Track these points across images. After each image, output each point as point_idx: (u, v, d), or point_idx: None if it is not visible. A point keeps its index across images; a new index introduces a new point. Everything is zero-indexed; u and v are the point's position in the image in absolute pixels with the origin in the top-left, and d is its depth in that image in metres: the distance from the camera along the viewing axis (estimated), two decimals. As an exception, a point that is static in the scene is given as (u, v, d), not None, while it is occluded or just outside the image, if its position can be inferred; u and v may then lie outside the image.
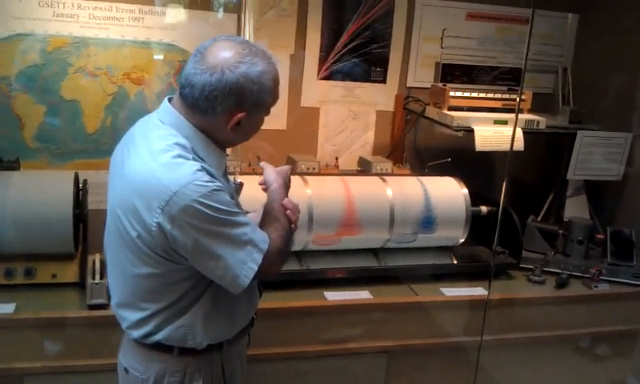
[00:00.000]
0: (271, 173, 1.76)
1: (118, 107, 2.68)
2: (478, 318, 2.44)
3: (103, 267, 2.08)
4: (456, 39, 3.18)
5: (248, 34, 2.80)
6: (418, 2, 3.07)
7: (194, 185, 1.45)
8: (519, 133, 2.78)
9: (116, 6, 2.61)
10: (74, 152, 2.67)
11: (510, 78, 3.28)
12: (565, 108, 3.10)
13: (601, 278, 2.72)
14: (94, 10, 2.59)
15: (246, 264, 1.53)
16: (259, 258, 1.55)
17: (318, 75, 3.01)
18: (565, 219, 3.01)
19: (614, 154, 3.01)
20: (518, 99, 2.91)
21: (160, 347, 1.63)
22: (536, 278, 2.72)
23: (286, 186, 1.77)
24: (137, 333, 1.64)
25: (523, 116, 2.89)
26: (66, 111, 2.63)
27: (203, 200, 1.45)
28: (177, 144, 1.52)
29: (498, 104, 2.91)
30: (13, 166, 2.42)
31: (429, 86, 3.08)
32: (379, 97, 3.12)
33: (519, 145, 2.77)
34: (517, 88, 3.10)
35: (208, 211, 1.46)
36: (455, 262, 2.75)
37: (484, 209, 2.73)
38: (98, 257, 2.21)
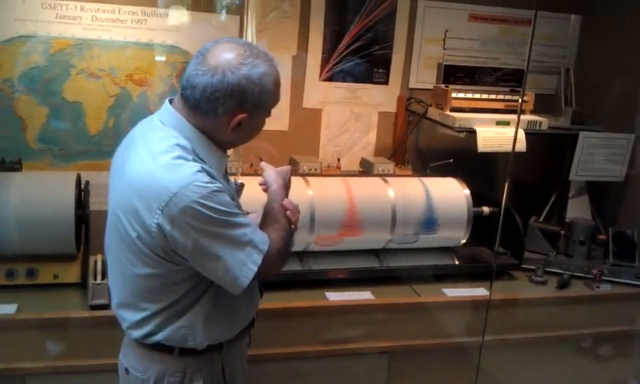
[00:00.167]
0: (271, 173, 1.76)
1: (120, 109, 2.69)
2: (479, 319, 2.44)
3: (105, 268, 2.09)
4: (458, 40, 3.18)
5: (250, 35, 2.80)
6: (420, 3, 3.07)
7: (194, 186, 1.46)
8: (521, 134, 2.78)
9: (119, 8, 2.62)
10: (76, 153, 2.67)
11: (512, 79, 3.27)
12: (567, 109, 3.10)
13: (603, 278, 2.72)
14: (97, 12, 2.60)
15: (245, 265, 1.54)
16: (259, 258, 1.55)
17: (320, 76, 3.01)
18: (567, 220, 3.01)
19: (616, 155, 3.00)
20: (520, 100, 2.91)
21: (160, 348, 1.64)
22: (538, 279, 2.72)
23: (287, 186, 1.77)
24: (137, 333, 1.64)
25: (525, 117, 2.89)
26: (68, 113, 2.64)
27: (203, 201, 1.46)
28: (177, 145, 1.53)
29: (501, 105, 2.91)
30: (15, 167, 2.43)
31: (431, 87, 3.08)
32: (381, 98, 3.12)
33: (521, 146, 2.77)
34: (519, 89, 3.10)
35: (208, 212, 1.47)
36: (457, 262, 2.75)
37: (486, 209, 2.73)
38: (99, 257, 2.21)
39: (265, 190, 1.74)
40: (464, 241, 2.73)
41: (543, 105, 3.13)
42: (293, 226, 1.70)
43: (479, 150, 2.76)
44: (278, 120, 2.91)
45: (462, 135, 2.81)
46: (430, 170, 2.96)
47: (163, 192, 1.45)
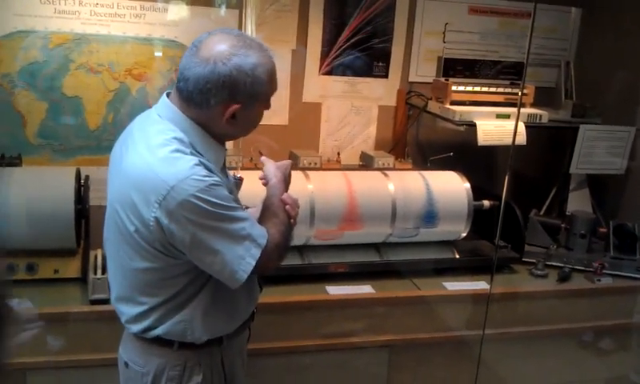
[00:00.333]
0: (271, 168, 1.76)
1: (119, 103, 2.68)
2: (480, 312, 2.44)
3: (105, 262, 2.09)
4: (458, 34, 3.17)
5: (250, 29, 2.80)
6: (419, -4, 3.07)
7: (192, 179, 1.46)
8: (521, 127, 2.77)
9: (117, 3, 2.61)
10: (76, 148, 2.67)
11: (512, 72, 3.26)
12: (567, 102, 3.09)
13: (603, 271, 2.72)
14: (96, 7, 2.60)
15: (243, 259, 1.54)
16: (257, 253, 1.55)
17: (319, 70, 3.00)
18: (567, 213, 3.00)
19: (616, 148, 3.00)
20: (520, 93, 2.91)
21: (160, 341, 1.64)
22: (538, 272, 2.72)
23: (286, 180, 1.77)
24: (136, 327, 1.64)
25: (525, 110, 2.89)
26: (67, 108, 2.63)
27: (201, 195, 1.46)
28: (175, 138, 1.52)
29: (501, 98, 2.91)
30: (15, 162, 2.43)
31: (431, 80, 3.07)
32: (381, 92, 3.12)
33: (521, 139, 2.76)
34: (519, 82, 3.09)
35: (205, 206, 1.47)
36: (457, 256, 2.75)
37: (486, 203, 2.72)
38: (99, 252, 2.22)
39: (265, 185, 1.74)
40: (464, 234, 2.73)
41: (543, 98, 3.13)
42: (292, 221, 1.70)
43: (479, 144, 2.76)
44: (277, 114, 2.91)
45: (462, 128, 2.80)
46: (430, 164, 2.96)
47: (161, 185, 1.45)
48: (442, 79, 2.98)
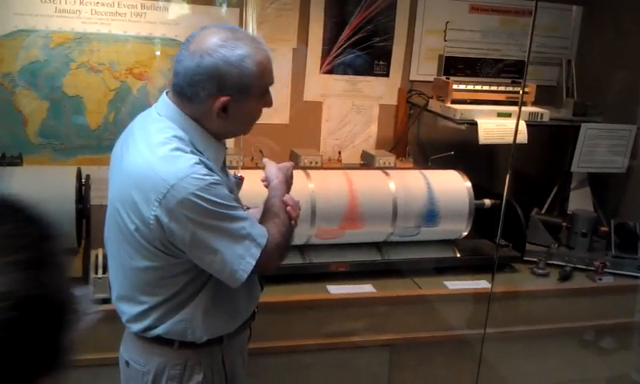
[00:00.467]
0: (272, 169, 1.76)
1: (120, 102, 2.68)
2: (481, 311, 2.44)
3: (106, 262, 2.08)
4: (459, 32, 3.17)
5: (250, 28, 2.79)
6: (420, -6, 3.07)
7: (192, 178, 1.46)
8: (523, 125, 2.77)
9: (118, 2, 2.61)
10: (76, 148, 2.67)
11: (513, 70, 3.26)
12: (569, 100, 3.09)
13: (605, 270, 2.71)
14: (96, 6, 2.59)
15: (243, 259, 1.54)
16: (257, 252, 1.55)
17: (320, 69, 3.00)
18: (569, 212, 3.00)
19: (618, 147, 2.99)
20: (521, 92, 2.90)
21: (160, 341, 1.64)
22: (540, 271, 2.71)
23: (287, 182, 1.77)
24: (136, 326, 1.64)
25: (527, 109, 2.89)
26: (68, 107, 2.63)
27: (200, 193, 1.46)
28: (175, 137, 1.52)
29: (502, 97, 2.90)
30: (16, 161, 2.42)
31: (432, 79, 3.07)
32: (382, 90, 3.11)
33: (523, 137, 2.76)
34: (520, 81, 3.08)
35: (205, 205, 1.46)
36: (458, 255, 2.75)
37: (487, 202, 2.72)
38: (100, 251, 2.21)
39: (266, 186, 1.74)
40: (465, 233, 2.73)
41: (545, 96, 3.12)
42: (293, 222, 1.70)
43: (480, 142, 2.75)
44: (278, 113, 2.91)
45: (463, 127, 2.80)
46: (431, 163, 2.95)
47: (161, 184, 1.45)
48: (443, 78, 2.98)
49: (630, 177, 3.05)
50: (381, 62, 3.08)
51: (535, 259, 2.75)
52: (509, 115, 2.83)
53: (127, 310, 1.65)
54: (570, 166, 3.01)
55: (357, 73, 3.06)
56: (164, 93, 1.63)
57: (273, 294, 2.16)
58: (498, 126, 2.79)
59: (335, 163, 2.96)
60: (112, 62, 2.65)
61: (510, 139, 2.71)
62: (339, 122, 3.09)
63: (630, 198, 3.08)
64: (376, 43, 3.04)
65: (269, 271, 1.66)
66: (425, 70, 3.15)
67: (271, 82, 1.61)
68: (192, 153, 1.52)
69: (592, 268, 2.73)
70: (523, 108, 2.84)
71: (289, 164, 1.83)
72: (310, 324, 2.35)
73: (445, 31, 3.14)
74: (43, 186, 2.24)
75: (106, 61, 2.64)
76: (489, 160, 3.09)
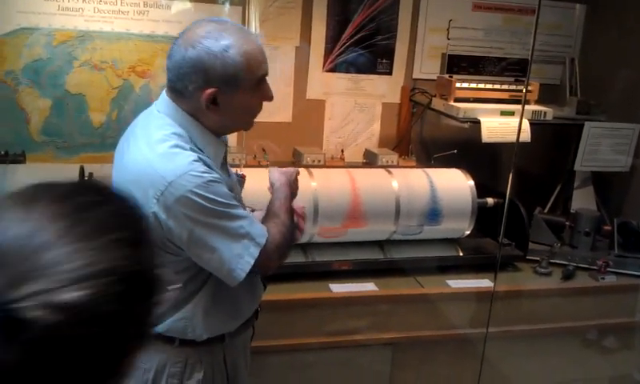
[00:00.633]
0: (275, 173, 1.77)
1: (123, 100, 2.69)
2: (483, 310, 2.44)
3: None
4: (462, 30, 3.17)
5: (253, 26, 2.79)
6: (423, -8, 3.06)
7: (190, 175, 1.45)
8: (526, 124, 2.76)
9: (121, 0, 2.61)
10: (79, 146, 2.67)
11: (516, 68, 3.25)
12: (572, 99, 3.08)
13: (608, 269, 2.70)
14: (99, 4, 2.60)
15: (242, 258, 1.53)
16: (256, 252, 1.55)
17: (323, 67, 3.00)
18: (572, 211, 2.99)
19: (621, 145, 2.99)
20: (524, 90, 2.90)
21: (161, 338, 1.63)
22: (542, 270, 2.71)
23: (291, 186, 1.77)
24: None
25: (530, 107, 2.88)
26: (71, 105, 2.63)
27: (198, 191, 1.45)
28: (174, 134, 1.52)
29: (505, 95, 2.90)
30: (19, 159, 2.43)
31: (435, 77, 3.07)
32: (385, 89, 3.11)
33: (526, 136, 2.75)
34: (523, 79, 3.08)
35: (203, 202, 1.46)
36: (461, 254, 2.74)
37: (490, 200, 2.71)
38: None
39: (271, 192, 1.75)
40: (468, 232, 2.73)
41: (548, 95, 3.12)
42: (299, 233, 1.72)
43: (483, 141, 2.75)
44: (281, 111, 2.91)
45: (466, 126, 2.80)
46: (434, 161, 2.95)
47: (159, 181, 1.45)
48: (446, 76, 2.97)
49: (634, 176, 3.05)
50: (384, 61, 3.08)
51: (538, 258, 2.74)
52: (512, 114, 2.82)
53: None
54: (573, 165, 3.00)
55: (360, 71, 3.06)
56: (164, 90, 1.63)
57: (275, 293, 2.15)
58: (501, 125, 2.78)
59: (338, 162, 2.96)
60: (115, 60, 2.65)
61: (513, 138, 2.71)
62: (342, 121, 3.09)
63: (633, 197, 3.07)
64: (379, 41, 3.04)
65: (269, 271, 1.66)
66: (428, 68, 3.15)
67: (262, 73, 1.57)
68: (191, 150, 1.52)
69: (595, 267, 2.73)
70: (526, 106, 2.84)
71: (292, 169, 1.82)
72: (312, 322, 2.35)
73: (448, 29, 3.13)
74: (46, 183, 2.24)
75: (109, 59, 2.64)
76: (492, 158, 3.09)
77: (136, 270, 0.75)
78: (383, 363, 2.47)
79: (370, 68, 3.07)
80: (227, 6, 2.79)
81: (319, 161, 2.78)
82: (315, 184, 2.48)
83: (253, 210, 1.72)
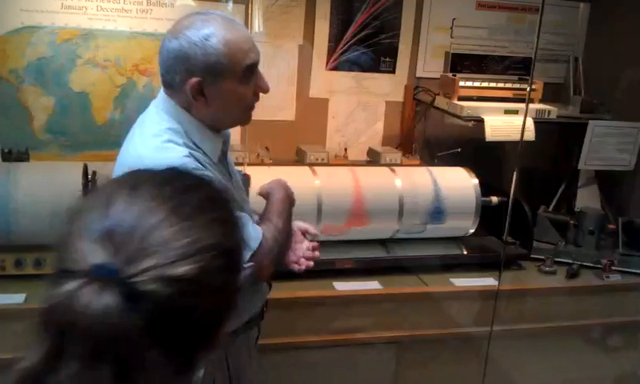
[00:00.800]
0: (265, 184, 1.78)
1: (126, 99, 2.68)
2: (488, 309, 2.43)
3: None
4: (466, 29, 3.16)
5: (256, 24, 2.79)
6: (427, -9, 3.06)
7: None
8: (530, 123, 2.75)
9: (124, -2, 2.62)
10: (83, 144, 2.67)
11: (520, 67, 3.25)
12: (576, 98, 3.07)
13: (612, 268, 2.70)
14: (102, 2, 2.60)
15: None
16: (246, 255, 1.52)
17: (326, 66, 3.00)
18: (576, 209, 2.98)
19: (625, 144, 2.98)
20: (528, 89, 2.89)
21: None
22: (547, 269, 2.70)
23: (285, 187, 1.77)
24: None
25: (534, 106, 2.87)
26: (75, 103, 2.63)
27: None
28: (169, 129, 1.53)
29: (509, 94, 2.89)
30: (22, 157, 2.43)
31: (438, 76, 3.06)
32: (388, 87, 3.11)
33: (530, 135, 2.75)
34: (527, 77, 3.07)
35: None
36: (465, 252, 2.73)
37: (494, 199, 2.71)
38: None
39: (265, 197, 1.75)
40: (472, 231, 2.72)
41: (552, 93, 3.12)
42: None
43: (487, 139, 2.74)
44: (284, 110, 2.91)
45: (469, 124, 2.79)
46: (437, 160, 2.95)
47: None
48: (450, 75, 2.97)
49: (638, 174, 3.03)
50: (387, 59, 3.08)
51: (542, 257, 2.73)
52: (516, 112, 2.81)
53: None
54: (578, 164, 2.99)
55: (363, 69, 3.05)
56: (162, 88, 1.63)
57: (279, 291, 2.14)
58: (505, 123, 2.78)
59: (341, 160, 2.96)
60: (118, 59, 2.65)
61: (517, 136, 2.70)
62: (345, 119, 3.08)
63: (637, 196, 3.06)
64: (382, 40, 3.04)
65: (262, 279, 1.65)
66: (431, 66, 3.14)
67: (249, 62, 1.54)
68: (185, 145, 1.51)
69: (599, 266, 2.71)
70: (530, 105, 2.83)
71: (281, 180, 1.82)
72: (316, 321, 2.35)
73: (451, 28, 3.13)
74: (49, 181, 2.24)
75: (112, 57, 2.64)
76: (496, 157, 3.08)
77: (230, 245, 0.84)
78: (387, 361, 2.47)
79: (373, 66, 3.07)
80: (230, 4, 2.78)
81: (322, 159, 2.78)
82: (318, 182, 2.48)
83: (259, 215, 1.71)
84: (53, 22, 2.55)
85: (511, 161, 3.07)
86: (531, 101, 2.87)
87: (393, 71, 3.09)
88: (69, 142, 2.65)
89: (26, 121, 2.59)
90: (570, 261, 2.74)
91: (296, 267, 1.82)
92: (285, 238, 1.69)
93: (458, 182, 2.69)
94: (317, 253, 1.85)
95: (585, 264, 2.74)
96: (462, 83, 2.84)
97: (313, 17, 2.92)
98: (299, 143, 2.88)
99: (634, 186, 3.07)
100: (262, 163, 2.61)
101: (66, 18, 2.56)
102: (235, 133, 2.34)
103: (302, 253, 1.83)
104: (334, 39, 2.97)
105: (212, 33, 1.49)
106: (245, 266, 0.91)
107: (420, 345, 2.48)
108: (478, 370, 2.48)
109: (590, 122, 2.94)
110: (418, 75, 3.13)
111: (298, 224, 1.88)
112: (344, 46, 2.99)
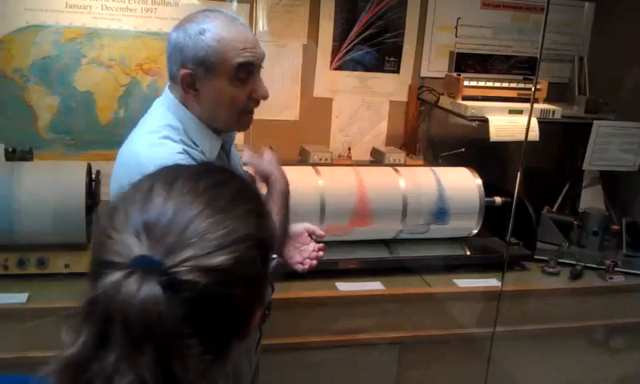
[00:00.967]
0: (269, 160, 1.77)
1: (131, 98, 2.69)
2: (491, 310, 2.43)
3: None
4: (471, 28, 3.15)
5: (260, 23, 2.79)
6: (432, -10, 3.05)
7: None
8: (534, 123, 2.74)
9: (128, -3, 2.62)
10: (87, 143, 2.68)
11: (525, 67, 3.24)
12: (581, 98, 3.06)
13: (616, 269, 2.69)
14: (107, 1, 2.60)
15: None
16: None
17: (330, 65, 3.00)
18: (580, 210, 2.97)
19: (630, 144, 2.96)
20: (533, 89, 2.88)
21: None
22: (550, 270, 2.69)
23: (285, 180, 1.77)
24: None
25: (538, 106, 2.86)
26: (79, 102, 2.64)
27: None
28: (168, 125, 1.54)
29: (513, 93, 2.88)
30: (26, 156, 2.43)
31: (443, 75, 3.06)
32: (392, 87, 3.10)
33: (534, 135, 2.74)
34: (532, 77, 3.06)
35: None
36: (468, 253, 2.73)
37: (498, 199, 2.70)
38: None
39: (259, 174, 1.74)
40: (475, 231, 2.71)
41: (556, 93, 3.10)
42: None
43: (491, 139, 2.73)
44: (288, 109, 2.91)
45: (474, 124, 2.78)
46: (441, 160, 2.94)
47: (140, 169, 1.46)
48: (454, 74, 2.96)
49: (642, 175, 3.03)
50: (391, 59, 3.07)
51: (546, 258, 2.73)
52: (520, 112, 2.81)
53: None
54: (582, 164, 2.98)
55: (367, 69, 3.05)
56: (168, 84, 1.65)
57: (281, 291, 2.14)
58: (510, 123, 2.77)
59: (345, 160, 2.96)
60: (122, 58, 2.65)
61: (521, 136, 2.70)
62: (349, 119, 3.08)
63: (642, 197, 3.06)
64: (386, 39, 3.03)
65: None
66: (436, 66, 3.14)
67: (241, 61, 1.52)
68: (182, 142, 1.53)
69: (603, 267, 2.71)
70: (535, 105, 2.82)
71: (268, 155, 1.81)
72: (318, 321, 2.35)
73: (456, 27, 3.12)
74: (53, 181, 2.25)
75: (117, 56, 2.64)
76: (500, 157, 3.07)
77: (263, 236, 0.87)
78: (390, 362, 2.47)
79: (377, 66, 3.06)
80: (235, 3, 2.78)
81: (326, 159, 2.78)
82: (322, 182, 2.48)
83: None
84: (57, 21, 2.56)
85: (515, 161, 3.06)
86: (536, 101, 2.86)
87: (397, 71, 3.09)
88: (73, 142, 2.66)
89: (30, 120, 2.60)
90: (574, 262, 2.73)
91: (300, 268, 1.82)
92: (283, 234, 1.69)
93: (462, 183, 2.68)
94: (321, 253, 1.85)
95: (588, 265, 2.74)
96: (466, 83, 2.83)
97: (317, 16, 2.92)
98: (303, 143, 2.88)
99: (638, 187, 3.06)
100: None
101: (70, 17, 2.57)
102: (239, 133, 2.34)
103: (308, 254, 1.84)
104: (338, 39, 2.97)
105: (208, 28, 1.50)
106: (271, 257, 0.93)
107: (423, 345, 2.48)
108: (481, 371, 2.48)
109: (595, 122, 2.93)
110: (422, 75, 3.13)
111: (305, 225, 1.89)
112: (348, 45, 2.99)
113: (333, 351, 2.37)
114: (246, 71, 1.55)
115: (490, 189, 2.68)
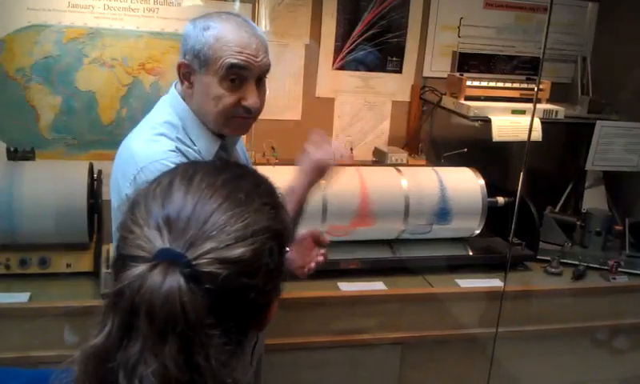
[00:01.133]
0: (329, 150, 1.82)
1: (133, 98, 2.69)
2: (493, 310, 2.42)
3: (117, 257, 2.09)
4: (473, 28, 3.15)
5: (263, 23, 2.79)
6: (434, -10, 3.05)
7: (160, 163, 1.42)
8: (537, 123, 2.74)
9: (131, -3, 2.62)
10: (89, 143, 2.68)
11: (528, 67, 3.23)
12: (584, 98, 3.06)
13: (619, 270, 2.68)
14: (109, 1, 2.60)
15: None
16: None
17: (333, 65, 2.99)
18: (583, 210, 2.97)
19: (633, 145, 2.96)
20: (536, 89, 2.88)
21: None
22: (553, 270, 2.69)
23: (319, 173, 1.83)
24: None
25: (541, 106, 2.86)
26: (81, 102, 2.64)
27: None
28: (166, 122, 1.55)
29: (516, 94, 2.88)
30: (28, 156, 2.43)
31: (445, 75, 3.05)
32: (395, 87, 3.10)
33: (537, 135, 2.73)
34: (535, 77, 3.05)
35: None
36: (471, 253, 2.72)
37: (501, 200, 2.70)
38: (111, 246, 2.21)
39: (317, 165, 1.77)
40: (478, 231, 2.71)
41: (559, 93, 3.10)
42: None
43: (494, 140, 2.73)
44: (290, 109, 2.91)
45: (476, 124, 2.78)
46: (444, 160, 2.94)
47: (133, 165, 1.48)
48: (457, 74, 2.95)
49: (645, 175, 3.02)
50: (394, 59, 3.07)
51: (548, 258, 2.72)
52: (523, 112, 2.80)
53: None
54: (585, 164, 2.98)
55: (369, 69, 3.04)
56: (174, 82, 1.66)
57: (284, 291, 2.15)
58: (512, 124, 2.76)
59: (347, 160, 2.94)
60: (125, 58, 2.65)
61: (524, 137, 2.69)
62: (351, 119, 3.08)
63: (645, 197, 3.05)
64: (389, 39, 3.03)
65: None
66: (438, 66, 3.13)
67: (230, 61, 1.50)
68: (178, 140, 1.53)
69: (606, 267, 2.71)
70: (538, 105, 2.81)
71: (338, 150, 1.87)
72: (321, 321, 2.34)
73: (459, 27, 3.12)
74: (55, 180, 2.25)
75: (119, 56, 2.64)
76: (502, 157, 3.07)
77: (280, 227, 0.89)
78: (392, 362, 2.46)
79: (379, 66, 3.06)
80: (237, 3, 2.78)
81: (328, 159, 2.77)
82: (324, 182, 2.47)
83: None
84: (59, 21, 2.55)
85: (518, 161, 3.05)
86: (539, 101, 2.86)
87: (399, 71, 3.08)
88: (75, 141, 2.66)
89: (32, 120, 2.60)
90: (577, 262, 2.73)
91: (300, 272, 1.81)
92: (295, 226, 1.70)
93: (464, 183, 2.68)
94: (322, 258, 1.85)
95: (591, 265, 2.73)
96: (469, 83, 2.83)
97: (319, 16, 2.91)
98: (305, 143, 2.87)
99: (641, 187, 3.06)
100: (268, 163, 2.61)
101: (72, 16, 2.57)
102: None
103: (310, 259, 1.83)
104: (341, 38, 2.96)
105: (214, 26, 1.52)
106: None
107: (425, 346, 2.47)
108: (484, 372, 2.48)
109: (598, 122, 2.92)
110: (424, 75, 3.12)
111: (310, 231, 1.88)
112: (351, 45, 2.98)
113: (335, 351, 2.37)
114: (238, 75, 1.52)
115: (492, 189, 2.68)
